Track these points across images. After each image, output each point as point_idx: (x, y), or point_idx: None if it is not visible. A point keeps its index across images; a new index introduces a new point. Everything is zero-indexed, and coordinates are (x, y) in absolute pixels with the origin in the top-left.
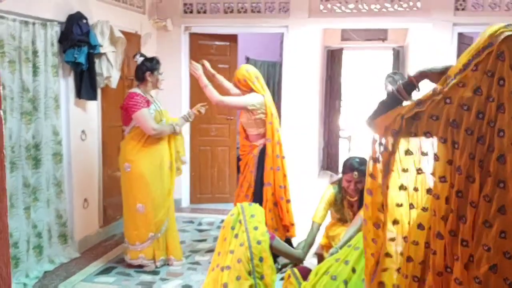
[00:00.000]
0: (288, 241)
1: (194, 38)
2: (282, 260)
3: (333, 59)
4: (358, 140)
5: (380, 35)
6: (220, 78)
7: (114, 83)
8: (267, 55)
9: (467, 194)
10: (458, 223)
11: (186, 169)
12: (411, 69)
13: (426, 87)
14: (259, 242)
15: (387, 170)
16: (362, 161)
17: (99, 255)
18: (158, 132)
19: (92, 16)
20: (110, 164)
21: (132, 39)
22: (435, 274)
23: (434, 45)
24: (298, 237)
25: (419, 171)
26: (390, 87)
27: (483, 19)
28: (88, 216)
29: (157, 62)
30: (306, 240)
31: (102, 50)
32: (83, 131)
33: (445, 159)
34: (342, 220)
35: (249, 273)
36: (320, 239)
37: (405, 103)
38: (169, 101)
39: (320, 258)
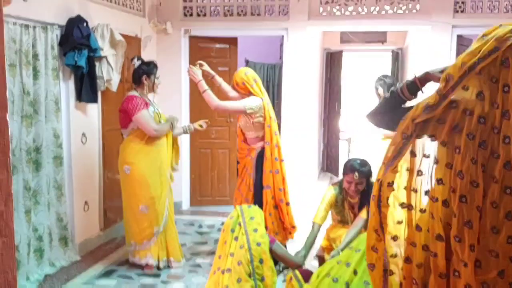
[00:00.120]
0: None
1: (194, 41)
2: None
3: (332, 61)
4: (358, 142)
5: (380, 38)
6: (219, 80)
7: (114, 86)
8: (266, 58)
9: (472, 199)
10: (463, 228)
11: (186, 171)
12: (410, 71)
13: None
14: (258, 244)
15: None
16: (363, 163)
17: (100, 258)
18: (159, 132)
19: (92, 19)
20: (111, 167)
21: (132, 42)
22: (437, 276)
23: (433, 47)
24: (297, 240)
25: (419, 172)
26: (381, 90)
27: (482, 21)
28: (89, 219)
29: (154, 66)
30: (307, 241)
31: (102, 53)
32: (83, 134)
33: (444, 162)
34: (343, 222)
35: (250, 275)
36: (321, 241)
37: (408, 103)
38: (169, 104)
39: (321, 260)
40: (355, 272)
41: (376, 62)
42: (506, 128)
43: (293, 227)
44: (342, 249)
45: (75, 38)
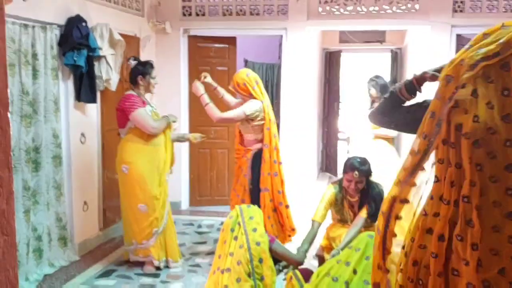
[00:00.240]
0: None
1: (193, 40)
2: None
3: (331, 61)
4: (356, 141)
5: (378, 37)
6: (222, 91)
7: (113, 85)
8: (265, 58)
9: (471, 199)
10: (466, 228)
11: (185, 171)
12: (410, 71)
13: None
14: (258, 244)
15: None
16: (363, 161)
17: (99, 258)
18: (157, 129)
19: (91, 19)
20: (110, 167)
21: (131, 42)
22: (436, 275)
23: (432, 47)
24: (297, 243)
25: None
26: (373, 91)
27: (481, 20)
28: (88, 219)
29: (150, 66)
30: (306, 237)
31: (101, 53)
32: (82, 134)
33: (450, 162)
34: (342, 221)
35: (249, 275)
36: (320, 240)
37: (407, 102)
38: (168, 103)
39: (321, 259)
40: (354, 272)
41: (375, 61)
42: (508, 132)
43: (293, 229)
44: (342, 249)
45: (74, 37)
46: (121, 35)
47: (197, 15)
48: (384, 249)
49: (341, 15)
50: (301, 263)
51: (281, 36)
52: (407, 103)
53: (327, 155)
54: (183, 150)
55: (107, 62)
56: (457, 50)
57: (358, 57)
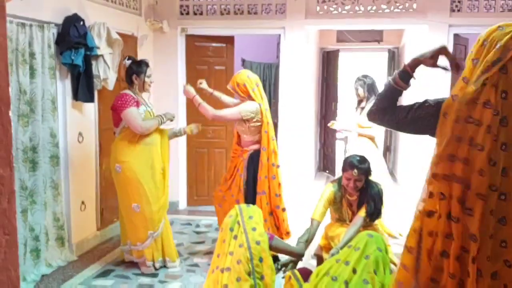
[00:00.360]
0: (276, 257)
1: (191, 39)
2: (281, 259)
3: (329, 60)
4: (354, 141)
5: (376, 37)
6: (218, 94)
7: (111, 85)
8: (263, 57)
9: (466, 198)
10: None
11: (183, 171)
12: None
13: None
14: (258, 243)
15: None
16: (362, 160)
17: (97, 258)
18: (145, 128)
19: (89, 18)
20: (107, 166)
21: (129, 41)
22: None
23: (429, 46)
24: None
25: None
26: (361, 90)
27: (478, 20)
28: (86, 218)
29: (145, 65)
30: (305, 233)
31: (99, 52)
32: (80, 133)
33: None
34: (341, 220)
35: (249, 274)
36: (319, 240)
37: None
38: (165, 102)
39: (320, 259)
40: (354, 271)
41: (372, 61)
42: (504, 135)
43: (288, 233)
44: (342, 248)
45: (71, 37)
46: (119, 34)
47: (195, 14)
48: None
49: (339, 14)
50: (302, 255)
51: (279, 35)
52: (408, 103)
53: (325, 155)
54: (180, 150)
55: (104, 61)
56: (454, 50)
57: (356, 56)
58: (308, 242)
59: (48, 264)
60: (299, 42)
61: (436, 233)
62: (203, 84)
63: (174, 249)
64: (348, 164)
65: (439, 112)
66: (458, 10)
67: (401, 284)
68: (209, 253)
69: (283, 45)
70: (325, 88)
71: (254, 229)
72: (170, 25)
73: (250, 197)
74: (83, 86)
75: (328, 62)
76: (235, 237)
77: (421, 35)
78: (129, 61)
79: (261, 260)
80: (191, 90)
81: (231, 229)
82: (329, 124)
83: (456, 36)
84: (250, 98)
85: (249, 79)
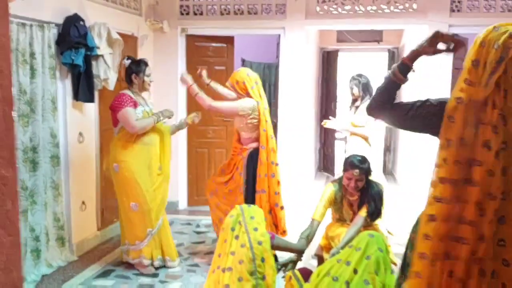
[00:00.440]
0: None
1: (191, 40)
2: (280, 259)
3: (328, 60)
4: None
5: (376, 37)
6: (214, 85)
7: (111, 85)
8: (263, 57)
9: (463, 198)
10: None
11: (183, 171)
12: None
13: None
14: (260, 243)
15: None
16: (363, 159)
17: (97, 258)
18: (139, 128)
19: (89, 18)
20: (108, 166)
21: (129, 41)
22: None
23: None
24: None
25: None
26: (356, 90)
27: (478, 20)
28: (86, 219)
29: (144, 64)
30: (304, 231)
31: (99, 52)
32: (80, 134)
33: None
34: (342, 220)
35: (251, 274)
36: (319, 240)
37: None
38: (165, 102)
39: (320, 259)
40: (355, 271)
41: (372, 61)
42: (504, 134)
43: (284, 231)
44: (342, 248)
45: (72, 37)
46: (119, 34)
47: (195, 14)
48: None
49: (339, 14)
50: (303, 251)
51: (279, 35)
52: (408, 100)
53: (325, 155)
54: (180, 150)
55: (105, 61)
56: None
57: (356, 56)
58: (308, 240)
59: (48, 264)
60: (299, 42)
61: (446, 237)
62: (203, 73)
63: (174, 249)
64: (349, 164)
65: (442, 112)
66: (458, 10)
67: None
68: (210, 253)
69: (283, 45)
70: (325, 88)
71: (256, 229)
72: (170, 25)
73: (250, 196)
74: (83, 86)
75: (328, 62)
76: (237, 237)
77: (420, 35)
78: (128, 61)
79: (263, 260)
80: (188, 79)
81: (233, 229)
82: (322, 123)
83: (456, 36)
84: (248, 96)
85: (249, 77)
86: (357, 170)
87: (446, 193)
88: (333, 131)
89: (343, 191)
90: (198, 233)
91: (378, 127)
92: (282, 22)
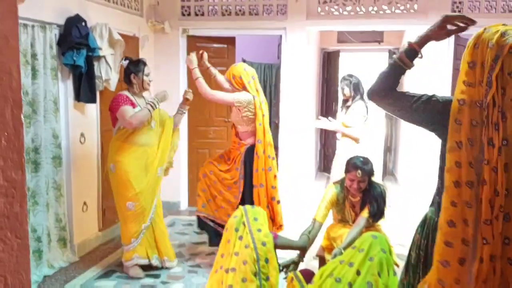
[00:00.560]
0: None
1: (192, 40)
2: (281, 260)
3: (329, 61)
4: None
5: (376, 37)
6: (214, 71)
7: (113, 85)
8: (263, 57)
9: (463, 197)
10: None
11: (184, 172)
12: (407, 71)
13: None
14: (264, 244)
15: None
16: (366, 161)
17: (99, 259)
18: (136, 122)
19: (91, 19)
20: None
21: (130, 41)
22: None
23: (430, 47)
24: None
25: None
26: (347, 90)
27: (479, 21)
28: (87, 219)
29: (143, 63)
30: (308, 228)
31: (101, 53)
32: (82, 134)
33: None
34: (343, 221)
35: (255, 275)
36: (321, 241)
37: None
38: (166, 103)
39: (322, 260)
40: (358, 273)
41: (373, 62)
42: (504, 130)
43: (281, 226)
44: (344, 248)
45: (73, 37)
46: (120, 35)
47: (196, 15)
48: None
49: (340, 15)
50: (304, 248)
51: (280, 36)
52: (414, 92)
53: (325, 155)
54: (181, 150)
55: (106, 62)
56: (455, 50)
57: (356, 57)
58: (310, 239)
59: (50, 265)
60: (300, 43)
61: (467, 241)
62: (205, 55)
63: (171, 249)
64: (352, 165)
65: (446, 111)
66: (459, 11)
67: None
68: (211, 253)
69: (284, 46)
70: (326, 88)
71: (259, 230)
72: (172, 26)
73: (247, 191)
74: (85, 87)
75: (328, 63)
76: (241, 237)
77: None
78: (126, 61)
79: (267, 261)
80: (194, 61)
81: (236, 230)
82: (311, 124)
83: (457, 36)
84: (245, 89)
85: (245, 71)
86: (359, 171)
87: (463, 196)
88: (334, 131)
89: (345, 192)
90: (200, 233)
91: (368, 128)
92: (283, 23)
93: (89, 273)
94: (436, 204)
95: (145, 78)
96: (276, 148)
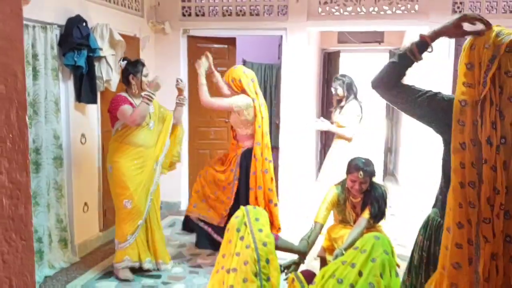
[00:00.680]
0: None
1: (193, 41)
2: (282, 261)
3: (330, 61)
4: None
5: (377, 38)
6: (218, 76)
7: (114, 86)
8: (264, 58)
9: (464, 197)
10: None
11: (185, 172)
12: (407, 72)
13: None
14: (265, 244)
15: None
16: (367, 162)
17: (99, 259)
18: (138, 117)
19: (91, 19)
20: None
21: (131, 42)
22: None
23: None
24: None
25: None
26: (340, 90)
27: None
28: (88, 220)
29: (141, 64)
30: (307, 234)
31: (101, 53)
32: (83, 135)
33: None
34: (344, 222)
35: (256, 275)
36: (322, 241)
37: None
38: (167, 103)
39: (323, 261)
40: (360, 274)
41: (373, 62)
42: (502, 129)
43: (279, 228)
44: (345, 249)
45: (74, 38)
46: (121, 35)
47: (197, 15)
48: None
49: (341, 15)
50: (306, 253)
51: (281, 36)
52: (420, 87)
53: (326, 156)
54: (182, 151)
55: (107, 63)
56: (456, 51)
57: (357, 57)
58: (310, 243)
59: (51, 266)
60: (301, 43)
61: (472, 241)
62: (210, 58)
63: (166, 251)
64: (354, 166)
65: (449, 110)
66: (460, 12)
67: None
68: (212, 254)
69: (284, 46)
70: (326, 89)
71: (260, 230)
72: (172, 27)
73: (243, 193)
74: (86, 87)
75: (329, 63)
76: (242, 238)
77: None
78: (124, 62)
79: (268, 261)
80: (204, 64)
81: (238, 230)
82: (305, 126)
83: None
84: (244, 92)
85: (245, 74)
86: (361, 173)
87: (467, 197)
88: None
89: (346, 193)
90: (185, 234)
91: (362, 127)
92: (284, 24)
93: (90, 273)
94: (440, 203)
95: (143, 79)
96: (277, 148)
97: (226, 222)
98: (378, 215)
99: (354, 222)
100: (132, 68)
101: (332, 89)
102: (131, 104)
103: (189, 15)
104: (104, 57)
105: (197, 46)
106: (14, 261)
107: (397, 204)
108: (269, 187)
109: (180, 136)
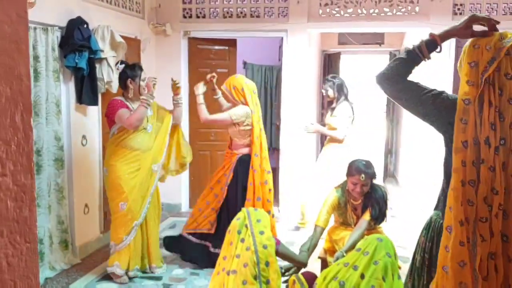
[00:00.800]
0: None
1: (193, 42)
2: (283, 263)
3: (330, 63)
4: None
5: (377, 39)
6: (219, 94)
7: (114, 88)
8: (264, 60)
9: (465, 196)
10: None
11: (185, 173)
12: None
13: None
14: (265, 247)
15: None
16: (368, 164)
17: (100, 261)
18: (135, 121)
19: (93, 21)
20: None
21: (132, 44)
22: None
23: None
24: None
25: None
26: (331, 91)
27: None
28: (89, 221)
29: (139, 68)
30: (308, 241)
31: (103, 55)
32: (84, 137)
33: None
34: (345, 224)
35: (255, 278)
36: (323, 243)
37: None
38: (167, 105)
39: (324, 262)
40: (362, 276)
41: (373, 63)
42: (502, 130)
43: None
44: (346, 251)
45: (75, 39)
46: (122, 37)
47: (198, 17)
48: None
49: (342, 17)
50: (304, 264)
51: (281, 38)
52: (424, 85)
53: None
54: None
55: (108, 64)
56: (456, 52)
57: (357, 59)
58: (311, 249)
59: (51, 267)
60: (301, 45)
61: (469, 238)
62: (214, 78)
63: (160, 254)
64: (355, 169)
65: (453, 109)
66: (461, 13)
67: None
68: None
69: (285, 48)
70: None
71: (261, 232)
72: (173, 28)
73: (232, 199)
74: (87, 89)
75: (329, 65)
76: (242, 240)
77: (422, 38)
78: (122, 66)
79: (267, 264)
80: (201, 89)
81: (239, 232)
82: (304, 129)
83: (458, 39)
84: (244, 101)
85: (247, 85)
86: (363, 175)
87: (467, 195)
88: None
89: (346, 196)
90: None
91: (354, 129)
92: (285, 25)
93: (90, 275)
94: (441, 204)
95: (141, 83)
96: (277, 150)
97: (217, 228)
98: (379, 216)
99: (355, 224)
100: (130, 72)
101: (323, 91)
102: (127, 108)
103: (190, 16)
104: (105, 58)
105: (197, 48)
106: (18, 264)
107: (397, 205)
108: (267, 198)
109: (182, 141)
